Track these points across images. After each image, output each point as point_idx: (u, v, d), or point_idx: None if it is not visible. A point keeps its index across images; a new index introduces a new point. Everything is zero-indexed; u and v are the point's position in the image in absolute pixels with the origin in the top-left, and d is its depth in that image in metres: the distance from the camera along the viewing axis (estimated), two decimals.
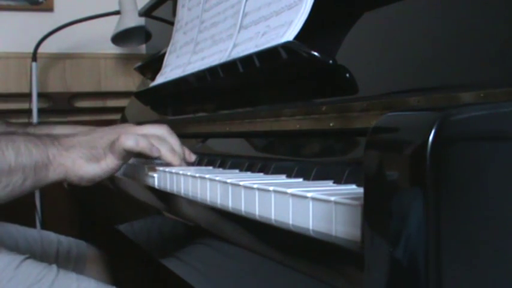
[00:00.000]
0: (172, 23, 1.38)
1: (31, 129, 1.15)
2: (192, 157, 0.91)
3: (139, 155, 0.83)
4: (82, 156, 0.80)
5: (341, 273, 0.42)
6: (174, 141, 0.86)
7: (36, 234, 1.17)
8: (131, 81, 2.25)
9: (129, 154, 0.82)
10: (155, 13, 1.71)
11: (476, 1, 0.62)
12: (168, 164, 0.85)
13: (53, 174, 0.79)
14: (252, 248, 0.55)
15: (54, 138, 0.81)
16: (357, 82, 0.72)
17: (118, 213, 1.16)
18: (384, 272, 0.36)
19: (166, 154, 0.83)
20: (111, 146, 0.80)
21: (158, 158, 0.84)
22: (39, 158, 0.77)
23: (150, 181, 0.90)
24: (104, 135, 0.83)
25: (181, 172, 0.77)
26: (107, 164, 0.81)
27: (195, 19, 1.22)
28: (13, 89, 2.15)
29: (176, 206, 0.77)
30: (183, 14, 1.31)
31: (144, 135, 0.82)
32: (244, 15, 1.00)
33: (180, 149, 0.86)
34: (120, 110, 1.98)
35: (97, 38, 2.23)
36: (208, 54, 1.09)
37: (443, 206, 0.33)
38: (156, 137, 0.83)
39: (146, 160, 1.15)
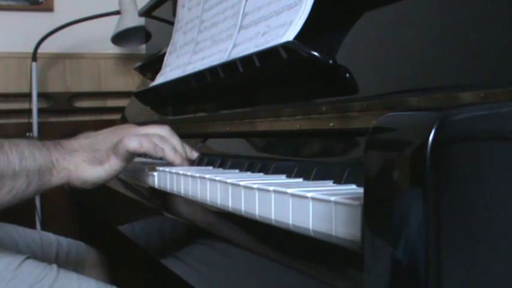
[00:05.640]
0: (172, 23, 1.38)
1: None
2: (194, 154, 0.91)
3: (141, 154, 0.83)
4: (85, 160, 0.80)
5: (341, 273, 0.42)
6: (175, 141, 0.86)
7: (35, 236, 1.16)
8: (131, 81, 2.25)
9: (132, 155, 0.82)
10: (155, 13, 1.71)
11: (476, 1, 0.62)
12: (169, 164, 0.85)
13: (57, 178, 0.79)
14: (252, 248, 0.54)
15: (57, 142, 0.81)
16: (357, 82, 0.72)
17: (118, 213, 1.16)
18: (384, 272, 0.36)
19: (170, 154, 0.83)
20: (114, 148, 0.80)
21: (161, 157, 0.84)
22: (43, 162, 0.77)
23: (150, 181, 0.90)
24: (106, 138, 0.83)
25: (181, 172, 0.77)
26: (110, 166, 0.81)
27: (195, 19, 1.22)
28: (13, 89, 2.15)
29: (176, 206, 0.77)
30: (183, 14, 1.31)
31: (147, 136, 0.82)
32: (244, 15, 1.00)
33: (181, 149, 0.86)
34: (120, 110, 1.98)
35: (97, 38, 2.23)
36: (208, 54, 1.09)
37: (443, 206, 0.33)
38: (159, 137, 0.83)
39: (147, 159, 1.15)
